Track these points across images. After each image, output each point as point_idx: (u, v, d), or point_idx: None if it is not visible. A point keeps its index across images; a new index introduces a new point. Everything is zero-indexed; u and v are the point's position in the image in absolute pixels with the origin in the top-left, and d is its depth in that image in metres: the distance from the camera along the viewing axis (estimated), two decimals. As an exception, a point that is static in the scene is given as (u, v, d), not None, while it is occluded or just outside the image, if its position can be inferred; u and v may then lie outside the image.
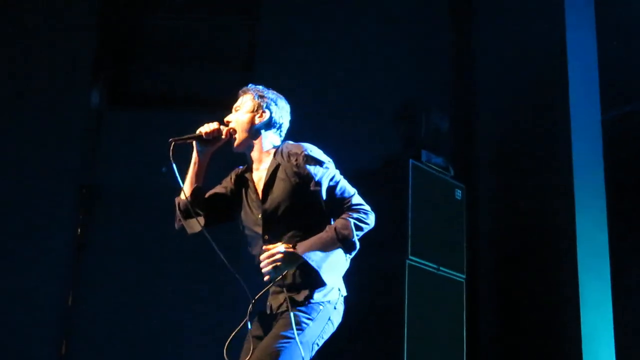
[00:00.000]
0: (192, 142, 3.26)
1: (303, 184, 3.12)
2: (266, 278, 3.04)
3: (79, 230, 6.07)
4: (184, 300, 5.79)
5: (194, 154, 3.29)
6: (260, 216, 3.18)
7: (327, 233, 3.04)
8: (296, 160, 3.13)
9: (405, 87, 6.35)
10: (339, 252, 3.06)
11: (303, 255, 2.99)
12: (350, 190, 3.18)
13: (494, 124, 6.54)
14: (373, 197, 5.43)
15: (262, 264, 3.02)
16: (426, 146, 5.62)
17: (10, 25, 6.33)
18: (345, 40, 6.46)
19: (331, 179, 3.15)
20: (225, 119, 3.30)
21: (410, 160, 5.38)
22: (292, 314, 3.01)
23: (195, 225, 3.24)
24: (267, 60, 6.24)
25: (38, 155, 6.07)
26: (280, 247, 3.02)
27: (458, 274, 5.53)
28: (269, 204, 3.17)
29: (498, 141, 6.51)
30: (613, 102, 5.80)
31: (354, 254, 3.14)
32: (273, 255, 3.01)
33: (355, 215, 3.09)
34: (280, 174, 3.17)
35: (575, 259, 5.41)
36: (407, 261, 5.17)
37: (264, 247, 3.06)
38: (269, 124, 3.29)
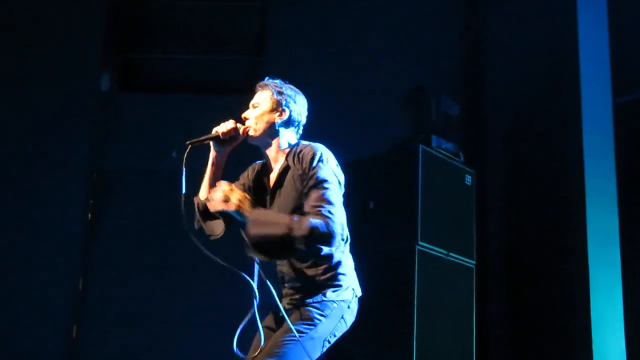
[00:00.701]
0: (209, 143, 3.18)
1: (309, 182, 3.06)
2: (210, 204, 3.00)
3: (90, 214, 6.09)
4: (195, 284, 5.80)
5: (211, 154, 3.22)
6: None
7: (285, 219, 2.91)
8: (304, 163, 3.06)
9: (415, 72, 6.33)
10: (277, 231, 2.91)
11: (248, 222, 2.90)
12: (326, 199, 2.95)
13: (504, 110, 6.52)
14: (383, 182, 5.48)
15: (214, 194, 2.97)
16: (436, 132, 5.61)
17: (21, 8, 6.34)
18: (356, 25, 6.44)
19: (317, 184, 2.99)
20: (243, 116, 3.23)
21: (420, 146, 5.37)
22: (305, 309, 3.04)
23: (217, 227, 3.18)
24: (278, 45, 6.23)
25: (49, 139, 6.08)
26: (236, 196, 2.94)
27: (468, 260, 5.53)
28: (276, 208, 3.14)
29: (508, 127, 6.49)
30: (625, 86, 5.77)
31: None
32: (227, 196, 2.95)
33: (324, 224, 2.88)
34: (288, 177, 3.12)
35: (586, 246, 5.40)
36: (417, 247, 5.17)
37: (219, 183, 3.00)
38: (288, 122, 3.23)
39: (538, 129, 6.13)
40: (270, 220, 2.94)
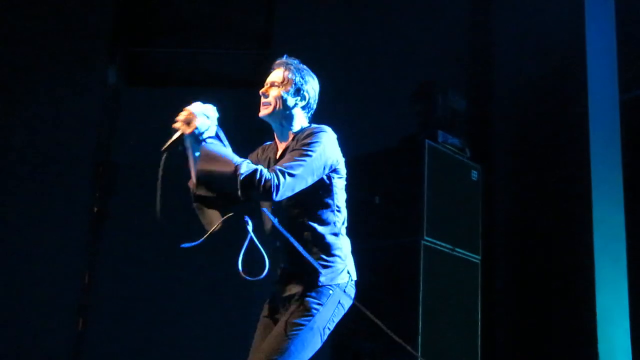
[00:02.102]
0: (182, 142, 3.12)
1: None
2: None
3: (96, 208, 6.09)
4: (202, 277, 5.81)
5: (189, 152, 3.13)
6: None
7: (236, 159, 2.90)
8: (302, 138, 3.08)
9: (422, 67, 6.32)
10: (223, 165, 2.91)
11: (201, 149, 2.92)
12: (290, 165, 2.94)
13: (510, 105, 6.51)
14: (389, 177, 5.49)
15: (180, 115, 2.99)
16: (442, 127, 5.61)
17: (27, 1, 6.34)
18: (364, 20, 6.43)
19: (298, 152, 3.00)
20: (262, 91, 3.23)
21: (427, 141, 5.37)
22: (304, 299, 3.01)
23: (212, 221, 3.13)
24: (285, 38, 6.22)
25: (55, 132, 6.09)
26: (197, 121, 2.97)
27: (473, 255, 5.53)
28: None
29: (514, 122, 6.49)
30: (631, 82, 5.75)
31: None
32: (189, 119, 2.99)
33: (261, 172, 2.86)
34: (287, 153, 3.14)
35: (592, 241, 5.40)
36: (423, 242, 5.17)
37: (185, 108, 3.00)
38: (304, 107, 3.26)
39: (544, 124, 6.13)
40: (223, 156, 2.92)
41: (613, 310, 5.33)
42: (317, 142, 3.04)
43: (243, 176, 2.84)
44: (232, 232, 3.10)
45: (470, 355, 5.36)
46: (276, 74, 3.26)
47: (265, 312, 3.19)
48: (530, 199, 6.13)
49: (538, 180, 6.08)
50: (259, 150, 3.38)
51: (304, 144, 3.03)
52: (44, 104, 6.15)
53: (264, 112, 3.22)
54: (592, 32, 5.82)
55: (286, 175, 2.90)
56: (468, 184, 5.64)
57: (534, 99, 6.30)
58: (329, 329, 3.08)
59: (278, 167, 2.91)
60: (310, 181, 3.01)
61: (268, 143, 3.38)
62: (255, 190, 2.85)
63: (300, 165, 2.96)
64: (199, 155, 2.94)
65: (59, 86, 6.18)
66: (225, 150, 2.98)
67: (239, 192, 2.86)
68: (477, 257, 5.55)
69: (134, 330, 5.81)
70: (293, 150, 3.04)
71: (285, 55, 3.33)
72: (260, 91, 3.24)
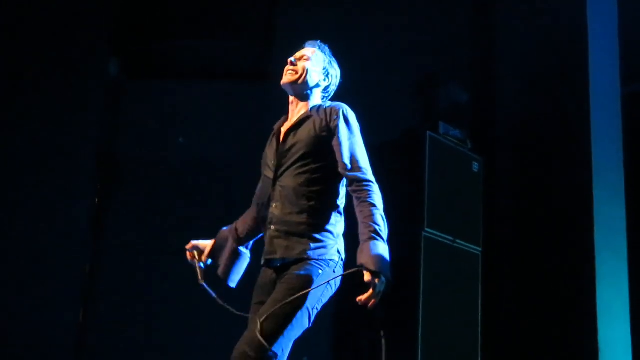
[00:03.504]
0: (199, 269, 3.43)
1: (328, 137, 3.13)
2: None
3: (97, 199, 6.10)
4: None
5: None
6: (274, 161, 3.20)
7: (373, 240, 2.94)
8: (330, 114, 3.17)
9: (424, 59, 6.31)
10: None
11: (382, 274, 2.90)
12: (364, 161, 3.15)
13: (512, 97, 6.51)
14: (390, 169, 5.49)
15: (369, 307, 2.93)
16: (444, 118, 5.61)
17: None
18: (365, 11, 6.43)
19: (351, 142, 3.14)
20: (291, 59, 3.33)
21: (428, 132, 5.38)
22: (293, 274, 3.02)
23: (235, 277, 3.40)
24: (287, 31, 6.21)
25: (56, 124, 6.09)
26: (370, 294, 2.88)
27: (474, 247, 5.54)
28: (286, 147, 3.19)
29: (516, 114, 6.48)
30: (634, 75, 5.75)
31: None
32: (372, 301, 2.90)
33: (370, 200, 3.04)
34: (308, 123, 3.20)
35: (592, 233, 5.40)
36: (424, 233, 5.18)
37: (357, 299, 2.90)
38: (325, 89, 3.39)
39: (546, 117, 6.12)
40: (379, 253, 2.94)
41: (613, 303, 5.34)
42: (349, 125, 3.17)
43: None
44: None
45: (471, 347, 5.37)
46: (308, 50, 3.38)
47: (255, 297, 3.20)
48: (532, 191, 6.13)
49: (539, 172, 6.08)
50: (274, 128, 3.39)
51: (340, 131, 3.12)
52: (45, 98, 6.15)
53: (288, 78, 3.28)
54: (594, 25, 5.82)
55: (370, 180, 3.10)
56: (469, 176, 5.64)
57: (536, 91, 6.29)
58: (317, 309, 3.05)
59: (364, 183, 3.07)
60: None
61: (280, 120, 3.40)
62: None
63: (360, 154, 3.14)
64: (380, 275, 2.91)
65: (60, 79, 6.18)
66: (375, 249, 2.95)
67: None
68: (478, 249, 5.56)
69: (136, 322, 5.82)
70: (341, 149, 3.11)
71: (318, 41, 3.47)
72: (289, 59, 3.32)
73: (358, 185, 3.07)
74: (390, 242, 5.21)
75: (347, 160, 3.09)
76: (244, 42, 6.10)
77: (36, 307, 5.74)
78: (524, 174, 6.26)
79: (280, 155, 3.18)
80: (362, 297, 2.84)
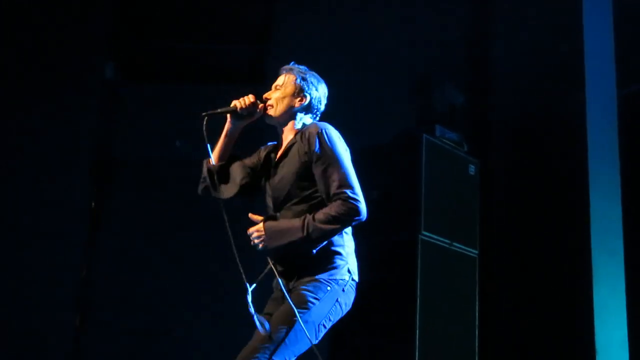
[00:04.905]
0: (226, 115, 3.28)
1: (310, 162, 3.10)
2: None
3: (93, 203, 6.09)
4: (200, 272, 5.81)
5: (227, 126, 3.30)
6: (271, 193, 3.22)
7: (296, 222, 3.03)
8: (309, 138, 3.12)
9: (420, 61, 6.32)
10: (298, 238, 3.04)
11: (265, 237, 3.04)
12: (347, 182, 3.05)
13: (508, 100, 6.51)
14: (387, 172, 5.49)
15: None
16: (440, 121, 5.61)
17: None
18: (362, 14, 6.43)
19: (330, 164, 3.07)
20: (265, 95, 3.31)
21: (424, 135, 5.37)
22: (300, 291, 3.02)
23: (228, 190, 3.27)
24: (284, 34, 6.22)
25: (52, 128, 6.08)
26: (253, 228, 3.07)
27: (471, 250, 5.54)
28: (278, 180, 3.20)
29: (512, 117, 6.49)
30: (630, 77, 5.76)
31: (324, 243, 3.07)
32: (251, 234, 3.08)
33: (335, 210, 3.00)
34: (293, 151, 3.18)
35: (589, 234, 5.40)
36: (420, 236, 5.18)
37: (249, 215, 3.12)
38: (307, 108, 3.31)
39: (542, 119, 6.13)
40: (285, 228, 3.03)
41: (610, 304, 5.35)
42: (329, 144, 3.10)
43: (332, 229, 3.00)
44: (231, 230, 3.11)
45: (468, 350, 5.37)
46: (279, 79, 3.34)
47: (266, 309, 3.18)
48: (528, 193, 6.14)
49: (536, 174, 6.09)
50: (261, 150, 3.41)
51: (321, 155, 3.07)
52: (42, 100, 6.14)
53: (267, 114, 3.28)
54: (590, 26, 5.82)
55: (354, 192, 3.03)
56: (466, 179, 5.64)
57: (532, 93, 6.30)
58: (324, 326, 3.07)
59: (345, 193, 3.01)
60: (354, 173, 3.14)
61: (270, 143, 3.41)
62: (351, 223, 3.06)
63: (347, 176, 3.06)
64: (270, 233, 3.04)
65: (57, 82, 6.17)
66: (282, 222, 3.08)
67: (326, 239, 3.04)
68: (474, 251, 5.56)
69: (132, 326, 5.81)
70: (322, 170, 3.07)
71: (292, 62, 3.40)
72: (264, 95, 3.30)
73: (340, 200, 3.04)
74: (387, 245, 5.23)
75: (330, 188, 3.05)
76: (241, 45, 6.10)
77: (32, 312, 5.73)
78: (521, 176, 6.26)
79: (275, 188, 3.20)
80: (251, 229, 3.07)
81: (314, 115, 3.35)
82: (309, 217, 2.99)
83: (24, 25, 6.29)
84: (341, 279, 3.10)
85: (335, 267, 3.09)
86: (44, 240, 5.85)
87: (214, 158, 3.29)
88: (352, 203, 3.00)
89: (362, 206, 3.03)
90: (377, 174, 5.52)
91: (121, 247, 5.96)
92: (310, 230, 2.97)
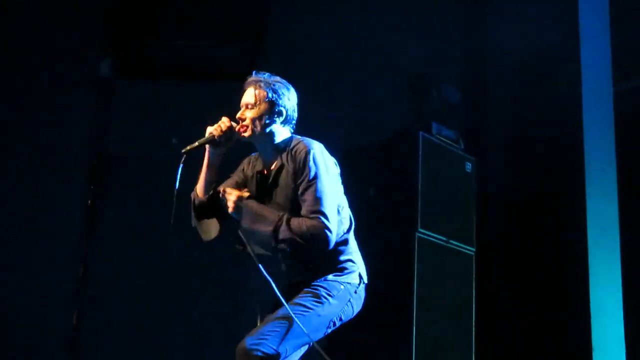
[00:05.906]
0: (202, 147, 3.18)
1: (300, 180, 3.07)
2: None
3: (90, 200, 6.08)
4: (197, 269, 5.80)
5: (206, 156, 3.21)
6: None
7: (273, 215, 3.01)
8: (295, 158, 3.08)
9: (417, 59, 6.31)
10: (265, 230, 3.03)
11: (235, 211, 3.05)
12: (323, 208, 2.98)
13: (504, 97, 6.51)
14: (383, 169, 5.48)
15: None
16: (437, 119, 5.61)
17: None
18: (357, 11, 6.42)
19: (311, 185, 3.02)
20: (238, 116, 3.20)
21: (421, 133, 5.37)
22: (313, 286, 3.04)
23: (211, 229, 3.21)
24: (278, 31, 6.21)
25: (49, 126, 6.07)
26: (236, 192, 3.09)
27: (468, 247, 5.54)
28: (273, 201, 3.15)
29: (509, 114, 6.49)
30: (625, 73, 5.76)
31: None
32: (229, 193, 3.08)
33: (308, 229, 2.95)
34: (283, 175, 3.13)
35: (585, 232, 5.41)
36: (417, 234, 5.18)
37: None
38: (283, 121, 3.22)
39: (539, 116, 6.13)
40: (261, 214, 3.02)
41: (607, 302, 5.34)
42: (316, 164, 3.04)
43: (292, 240, 2.95)
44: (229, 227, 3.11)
45: (465, 347, 5.37)
46: (248, 95, 3.22)
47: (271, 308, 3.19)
48: (524, 190, 6.14)
49: (532, 172, 6.09)
50: (244, 164, 3.36)
51: (306, 175, 3.02)
52: (37, 97, 6.13)
53: (243, 135, 3.18)
54: (586, 23, 5.82)
55: (326, 216, 2.95)
56: (462, 176, 5.64)
57: (528, 91, 6.30)
58: (334, 324, 3.10)
59: (318, 217, 2.94)
60: (339, 199, 3.09)
61: (253, 154, 3.36)
62: (315, 247, 2.97)
63: (324, 199, 2.99)
64: (243, 211, 3.04)
65: (52, 79, 6.16)
66: (264, 208, 3.06)
67: (287, 248, 3.00)
68: (471, 249, 5.56)
69: (129, 322, 5.81)
70: (304, 189, 3.02)
71: (253, 72, 3.28)
72: (237, 116, 3.20)
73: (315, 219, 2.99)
74: (384, 243, 5.22)
75: (307, 208, 3.00)
76: (236, 42, 6.09)
77: (29, 308, 5.73)
78: (517, 174, 6.26)
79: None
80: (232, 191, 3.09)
81: (291, 126, 3.26)
82: (285, 218, 2.97)
83: (19, 23, 6.27)
84: (353, 282, 3.14)
85: (348, 272, 3.13)
86: (40, 239, 5.85)
87: (200, 190, 3.22)
88: (325, 233, 2.95)
89: (332, 239, 2.98)
90: (373, 171, 5.52)
91: (118, 245, 5.95)
92: (280, 231, 2.96)
